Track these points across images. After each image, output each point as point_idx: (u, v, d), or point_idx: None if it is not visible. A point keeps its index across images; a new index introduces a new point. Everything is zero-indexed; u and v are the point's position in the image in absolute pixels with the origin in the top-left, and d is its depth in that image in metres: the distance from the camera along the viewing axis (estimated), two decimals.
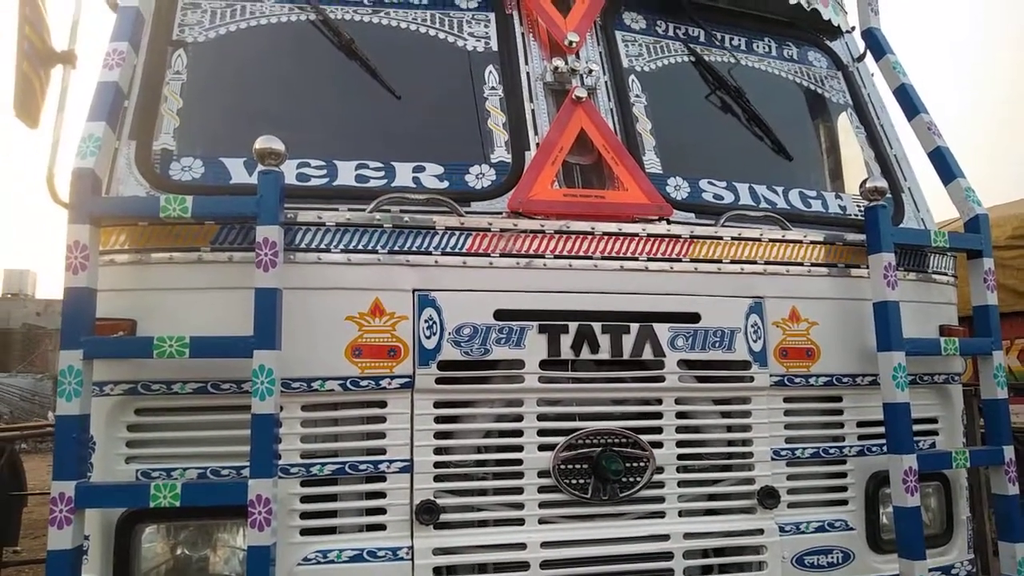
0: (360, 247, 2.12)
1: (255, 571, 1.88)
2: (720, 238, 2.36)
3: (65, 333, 1.91)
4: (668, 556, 2.23)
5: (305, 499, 2.08)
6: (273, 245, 1.96)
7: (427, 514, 2.10)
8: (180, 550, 2.09)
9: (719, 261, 2.35)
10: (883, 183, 2.44)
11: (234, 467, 2.03)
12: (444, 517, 2.12)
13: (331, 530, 2.11)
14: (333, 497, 2.11)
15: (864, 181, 2.45)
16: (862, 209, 2.55)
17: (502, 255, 2.20)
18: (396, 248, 2.14)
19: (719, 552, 2.34)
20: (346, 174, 2.29)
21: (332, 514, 2.11)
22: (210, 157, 2.25)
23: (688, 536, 2.26)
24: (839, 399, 2.48)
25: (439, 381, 2.14)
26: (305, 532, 2.07)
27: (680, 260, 2.32)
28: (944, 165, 2.69)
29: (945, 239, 2.51)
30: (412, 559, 2.07)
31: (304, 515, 2.08)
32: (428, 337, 2.13)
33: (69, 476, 1.87)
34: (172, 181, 2.20)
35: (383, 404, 2.13)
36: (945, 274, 2.66)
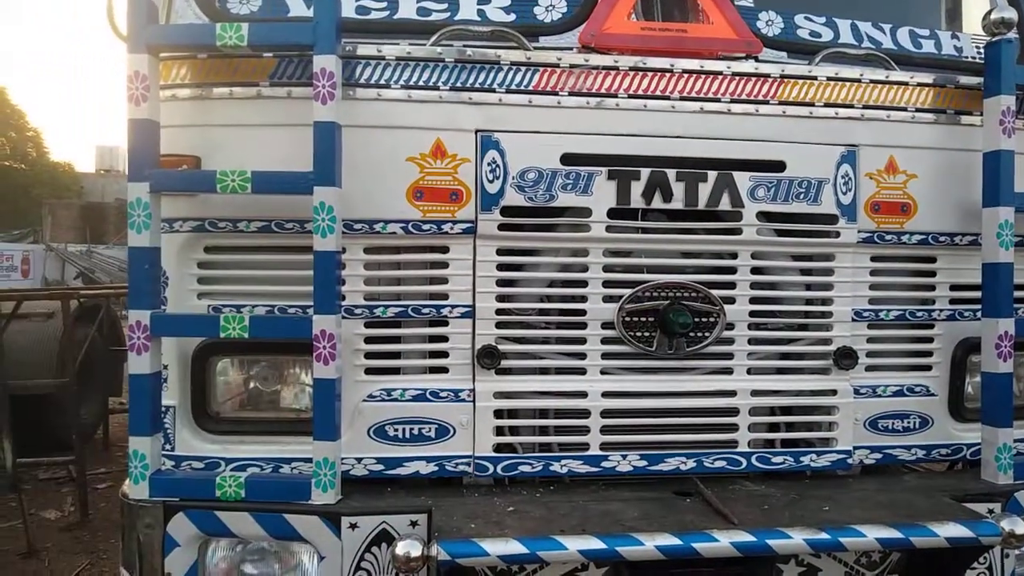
0: (421, 83, 2.02)
1: (322, 402, 1.94)
2: (814, 78, 2.14)
3: (132, 166, 1.92)
4: (733, 412, 2.18)
5: (369, 340, 2.10)
6: (331, 76, 1.87)
7: (488, 358, 2.09)
8: (253, 384, 2.17)
9: (811, 104, 2.14)
10: (1011, 13, 2.12)
11: (300, 306, 2.06)
12: (505, 363, 2.12)
13: (395, 370, 2.14)
14: (396, 339, 2.12)
15: (989, 12, 2.14)
16: (981, 51, 2.26)
17: (571, 94, 2.06)
18: (459, 84, 2.03)
19: (787, 412, 2.27)
20: (407, 7, 2.16)
21: (396, 355, 2.13)
22: None
23: (756, 393, 2.19)
24: (933, 259, 2.29)
25: (502, 228, 2.08)
26: (370, 372, 2.11)
27: (767, 102, 2.12)
28: None
29: None
30: (473, 401, 2.09)
31: (369, 355, 2.11)
32: (491, 181, 2.05)
33: (144, 305, 1.93)
34: (231, 15, 2.12)
35: (445, 249, 2.09)
36: None
